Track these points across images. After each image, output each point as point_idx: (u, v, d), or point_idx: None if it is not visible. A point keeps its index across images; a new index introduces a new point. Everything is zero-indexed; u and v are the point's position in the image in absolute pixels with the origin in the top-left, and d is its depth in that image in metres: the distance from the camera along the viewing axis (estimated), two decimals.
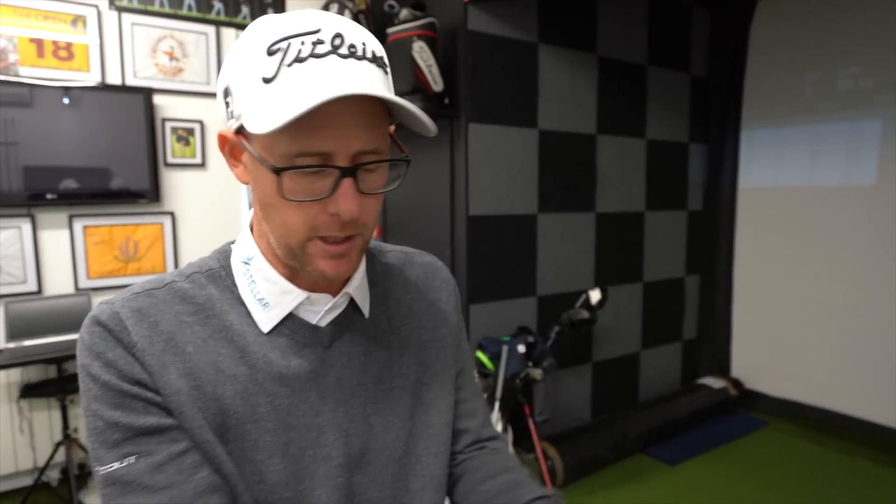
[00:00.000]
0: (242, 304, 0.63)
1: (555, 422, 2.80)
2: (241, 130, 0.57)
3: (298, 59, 0.52)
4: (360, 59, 0.54)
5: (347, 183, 0.55)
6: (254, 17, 3.10)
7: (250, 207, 0.66)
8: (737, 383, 3.54)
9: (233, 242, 0.67)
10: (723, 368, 3.70)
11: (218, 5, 3.00)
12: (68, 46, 2.66)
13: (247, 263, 0.64)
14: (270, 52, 0.52)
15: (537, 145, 2.78)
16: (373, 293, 0.71)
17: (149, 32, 2.84)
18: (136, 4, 2.80)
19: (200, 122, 2.99)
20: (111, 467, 0.55)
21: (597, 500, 2.59)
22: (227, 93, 0.57)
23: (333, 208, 0.55)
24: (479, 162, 2.57)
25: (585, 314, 2.56)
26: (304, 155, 0.53)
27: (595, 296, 2.64)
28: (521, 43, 2.67)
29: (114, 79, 2.78)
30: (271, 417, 0.60)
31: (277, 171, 0.53)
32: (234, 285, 0.63)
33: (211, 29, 2.99)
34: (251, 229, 0.65)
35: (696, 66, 3.54)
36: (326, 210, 0.56)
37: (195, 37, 2.95)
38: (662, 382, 3.56)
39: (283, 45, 0.52)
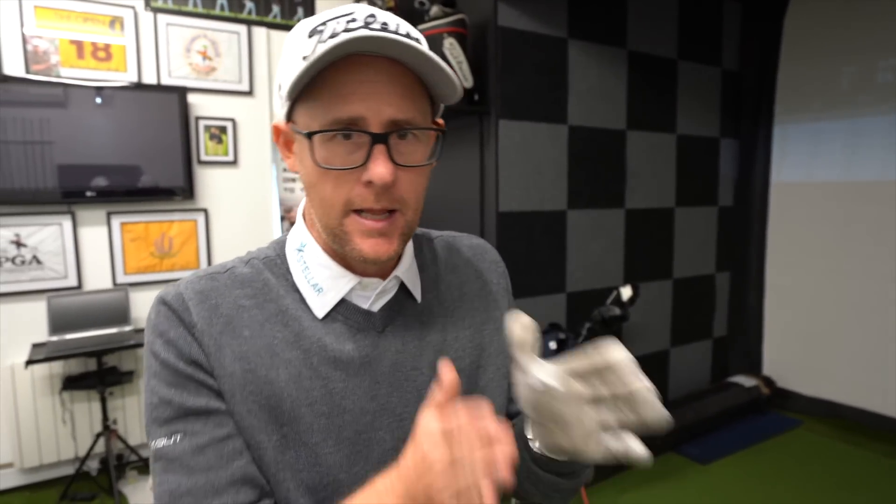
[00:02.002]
0: (297, 290, 0.64)
1: None
2: (289, 118, 0.60)
3: (332, 36, 0.55)
4: (391, 33, 0.55)
5: (379, 149, 0.56)
6: (284, 15, 3.14)
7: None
8: (769, 382, 3.48)
9: (288, 233, 0.69)
10: (754, 366, 3.64)
11: (249, 4, 3.04)
12: (106, 47, 2.73)
13: (300, 250, 0.65)
14: (310, 35, 0.57)
15: (567, 141, 2.77)
16: (423, 278, 0.71)
17: (183, 32, 2.90)
18: (170, 5, 2.85)
19: (232, 120, 3.04)
20: (160, 443, 0.58)
21: (626, 498, 2.58)
22: (279, 87, 0.60)
23: (366, 176, 0.56)
24: (508, 158, 2.57)
25: (617, 311, 2.54)
26: (338, 122, 0.55)
27: (626, 292, 2.62)
28: (550, 38, 2.66)
29: (149, 78, 2.84)
30: (325, 401, 0.61)
31: (309, 136, 0.56)
32: (289, 272, 0.65)
33: (243, 28, 3.03)
34: (304, 219, 0.67)
35: (728, 60, 3.48)
36: (360, 180, 0.57)
37: (227, 36, 3.00)
38: (692, 380, 3.51)
39: (321, 27, 0.57)
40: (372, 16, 0.57)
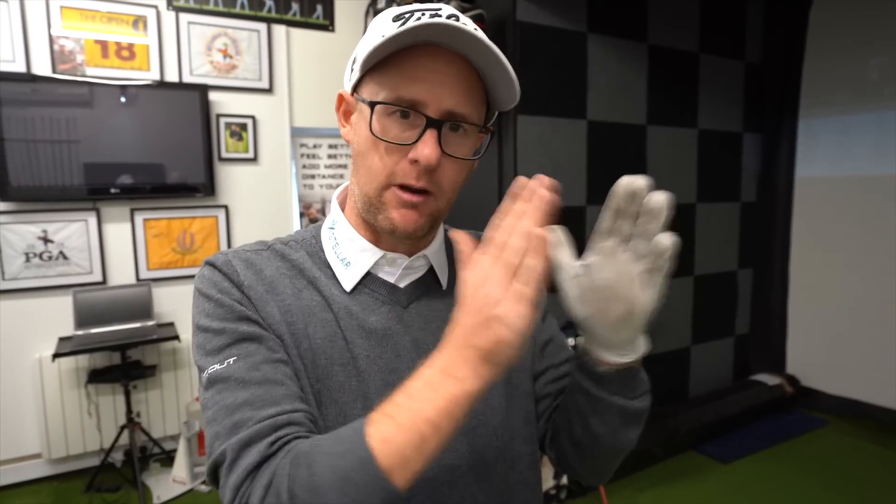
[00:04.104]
0: (328, 266, 0.69)
1: None
2: (355, 90, 0.65)
3: (416, 21, 0.58)
4: (470, 30, 0.60)
5: (431, 133, 0.60)
6: (303, 13, 3.15)
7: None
8: (793, 380, 3.42)
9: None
10: (777, 365, 3.58)
11: (269, 3, 3.07)
12: (130, 46, 2.77)
13: (332, 228, 0.71)
14: (395, 20, 0.61)
15: (586, 136, 2.75)
16: (452, 271, 0.74)
17: (204, 31, 2.93)
18: (192, 4, 2.89)
19: (252, 118, 3.07)
20: (213, 368, 0.58)
21: (646, 496, 2.55)
22: (354, 61, 0.65)
23: (413, 154, 0.60)
24: (527, 154, 2.55)
25: None
26: (401, 100, 0.60)
27: None
28: (569, 33, 2.64)
29: (171, 77, 2.88)
30: (355, 364, 0.64)
31: (372, 105, 0.60)
32: (321, 251, 0.70)
33: (262, 26, 3.06)
34: (340, 205, 0.73)
35: (751, 53, 3.42)
36: (407, 157, 0.61)
37: (247, 34, 3.03)
38: (713, 378, 3.47)
39: (407, 14, 0.60)
40: (454, 15, 0.60)
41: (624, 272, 0.54)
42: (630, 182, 0.52)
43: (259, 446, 0.52)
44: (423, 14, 0.59)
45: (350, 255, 0.68)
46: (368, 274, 0.68)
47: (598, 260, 0.56)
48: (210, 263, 0.66)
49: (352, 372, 0.64)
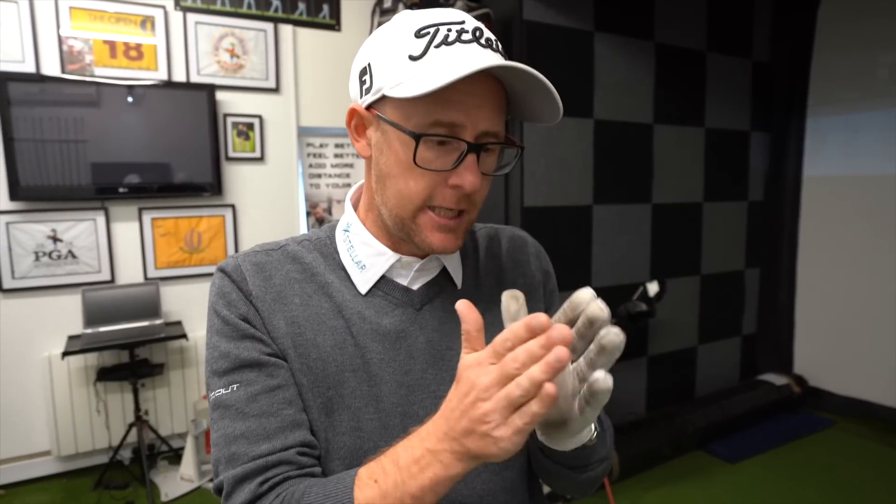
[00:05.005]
0: (342, 268, 0.69)
1: (609, 414, 2.76)
2: (372, 105, 0.63)
3: (446, 42, 0.58)
4: (495, 50, 0.61)
5: (471, 158, 0.60)
6: (310, 13, 3.16)
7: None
8: (800, 380, 3.40)
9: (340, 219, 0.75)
10: (785, 365, 3.56)
11: (276, 2, 3.07)
12: (138, 47, 2.79)
13: (346, 231, 0.71)
14: (419, 35, 0.59)
15: (593, 135, 2.74)
16: (465, 266, 0.74)
17: (211, 31, 2.94)
18: (199, 4, 2.90)
19: (259, 117, 3.08)
20: (219, 392, 0.62)
21: (653, 495, 2.55)
22: (364, 71, 0.63)
23: (456, 180, 0.60)
24: (534, 153, 2.55)
25: (643, 307, 2.51)
26: (439, 124, 0.59)
27: (653, 288, 2.59)
28: (576, 32, 2.63)
29: (179, 76, 2.89)
30: (366, 369, 0.65)
31: (417, 137, 0.59)
32: (336, 252, 0.70)
33: (269, 26, 3.07)
34: (353, 206, 0.72)
35: (759, 51, 3.40)
36: (447, 182, 0.61)
37: (254, 34, 3.04)
38: (720, 378, 3.46)
39: (431, 29, 0.59)
40: (479, 29, 0.60)
41: (563, 385, 0.50)
42: (594, 310, 0.48)
43: (251, 485, 0.58)
44: (449, 31, 0.58)
45: (365, 258, 0.69)
46: (382, 277, 0.69)
47: None
48: (221, 269, 0.67)
49: (363, 377, 0.65)
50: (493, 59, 0.58)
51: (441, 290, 0.71)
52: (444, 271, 0.72)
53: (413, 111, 0.59)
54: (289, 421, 0.61)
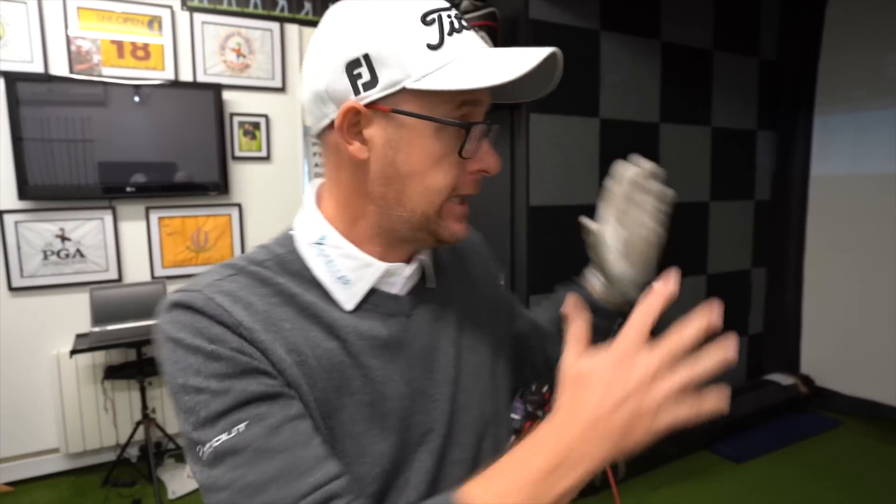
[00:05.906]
0: (318, 285, 0.60)
1: None
2: (378, 101, 0.55)
3: (454, 30, 0.56)
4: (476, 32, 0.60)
5: (487, 140, 0.59)
6: (315, 12, 3.17)
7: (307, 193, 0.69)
8: (807, 380, 3.39)
9: (290, 230, 0.66)
10: (792, 364, 3.54)
11: (282, 2, 3.08)
12: (145, 46, 2.80)
13: (320, 244, 0.61)
14: (426, 23, 0.55)
15: (598, 134, 2.73)
16: (435, 264, 0.72)
17: (218, 31, 2.95)
18: (206, 4, 2.91)
19: (265, 116, 3.09)
20: (217, 441, 0.49)
21: (659, 496, 2.55)
22: (357, 63, 0.55)
23: (479, 165, 0.59)
24: (539, 152, 2.55)
25: None
26: (467, 114, 0.57)
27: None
28: (582, 30, 2.63)
29: (186, 76, 2.90)
30: (367, 390, 0.59)
31: (467, 128, 0.56)
32: (306, 269, 0.61)
33: (275, 25, 3.07)
34: (319, 210, 0.65)
35: (766, 50, 3.38)
36: (467, 169, 0.59)
37: (261, 33, 3.05)
38: (727, 377, 3.40)
39: (434, 16, 0.56)
40: (459, 13, 0.60)
41: (642, 211, 0.82)
42: (650, 165, 0.81)
43: None
44: (448, 17, 0.57)
45: (349, 272, 0.61)
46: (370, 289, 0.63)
47: (620, 211, 0.81)
48: (183, 305, 0.53)
49: (363, 400, 0.59)
50: (541, 52, 0.56)
51: (422, 291, 0.68)
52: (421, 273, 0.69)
53: (439, 100, 0.55)
54: (322, 451, 0.52)
